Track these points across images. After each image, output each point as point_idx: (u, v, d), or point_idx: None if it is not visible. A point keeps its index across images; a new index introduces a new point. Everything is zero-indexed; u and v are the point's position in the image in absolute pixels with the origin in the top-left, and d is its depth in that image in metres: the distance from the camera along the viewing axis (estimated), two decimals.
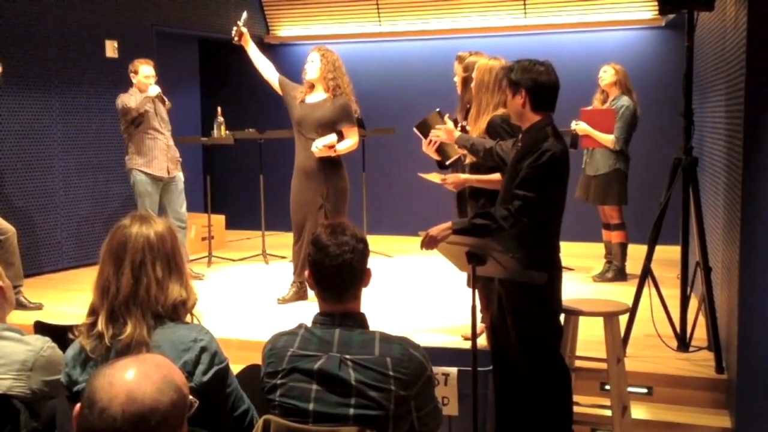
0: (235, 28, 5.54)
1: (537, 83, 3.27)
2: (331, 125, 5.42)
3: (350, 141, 5.50)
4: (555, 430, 3.38)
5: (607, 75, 6.06)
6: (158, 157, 6.28)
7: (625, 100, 5.98)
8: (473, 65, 4.46)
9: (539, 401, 3.36)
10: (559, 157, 3.22)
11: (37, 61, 6.76)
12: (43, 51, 6.81)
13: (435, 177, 4.32)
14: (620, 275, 6.09)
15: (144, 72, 6.25)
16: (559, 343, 3.44)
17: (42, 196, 6.86)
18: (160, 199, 6.37)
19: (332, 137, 5.40)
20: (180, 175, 6.47)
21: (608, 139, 5.93)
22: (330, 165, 5.45)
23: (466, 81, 4.51)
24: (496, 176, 3.92)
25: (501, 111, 3.96)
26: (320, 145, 5.35)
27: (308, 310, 4.15)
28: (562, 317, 3.53)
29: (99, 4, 7.25)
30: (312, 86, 5.51)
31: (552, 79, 3.30)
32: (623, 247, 6.12)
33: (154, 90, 6.20)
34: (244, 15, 5.64)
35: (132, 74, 6.26)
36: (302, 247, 5.48)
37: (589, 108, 6.18)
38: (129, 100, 6.15)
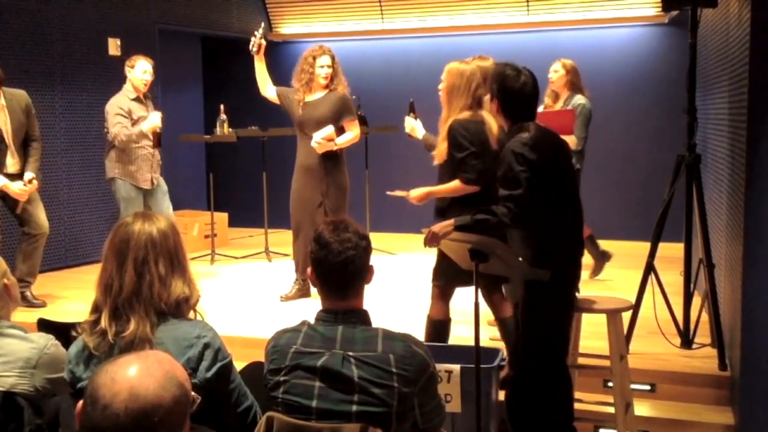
0: (253, 39, 5.48)
1: (504, 89, 3.29)
2: (331, 122, 5.41)
3: (351, 134, 5.49)
4: (555, 427, 3.38)
5: (557, 76, 5.63)
6: (142, 167, 5.89)
7: (581, 99, 5.65)
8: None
9: (538, 400, 3.36)
10: (520, 150, 3.17)
11: (40, 58, 6.76)
12: (46, 49, 6.81)
13: (401, 192, 4.17)
14: (604, 257, 6.03)
15: (142, 67, 5.79)
16: (566, 348, 3.38)
17: (45, 193, 6.83)
18: (145, 203, 5.97)
19: (329, 129, 5.38)
20: (161, 180, 6.09)
21: (570, 140, 5.53)
22: (331, 161, 5.44)
23: None
24: (455, 184, 3.86)
25: (466, 114, 3.87)
26: (319, 138, 5.34)
27: (311, 307, 4.16)
28: None
29: (102, 2, 7.24)
30: (310, 88, 5.49)
31: (519, 86, 3.27)
32: (591, 239, 5.95)
33: (150, 123, 5.71)
34: (263, 26, 5.61)
35: (128, 68, 5.84)
36: (302, 244, 5.48)
37: (545, 110, 5.73)
38: (120, 129, 5.70)
